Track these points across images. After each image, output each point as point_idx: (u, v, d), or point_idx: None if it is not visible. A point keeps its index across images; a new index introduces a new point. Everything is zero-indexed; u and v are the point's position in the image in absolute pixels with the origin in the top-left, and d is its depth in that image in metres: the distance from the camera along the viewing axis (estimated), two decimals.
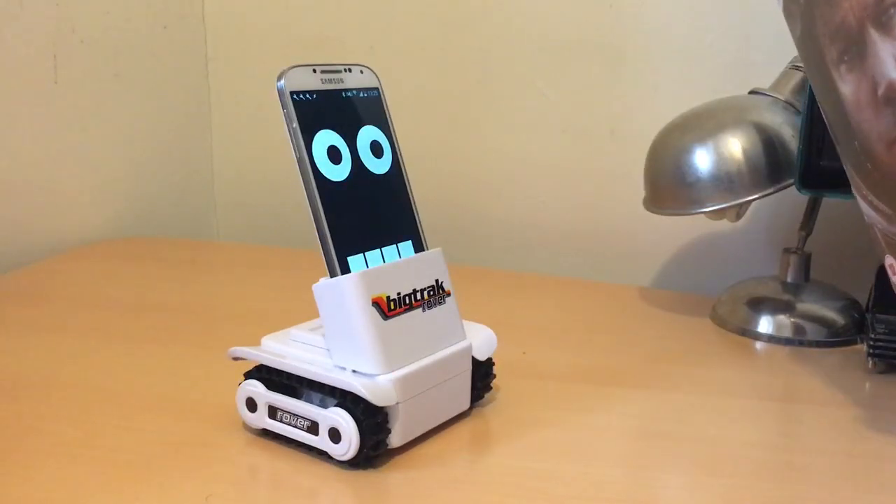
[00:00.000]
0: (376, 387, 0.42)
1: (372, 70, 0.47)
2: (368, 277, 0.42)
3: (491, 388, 0.51)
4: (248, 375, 0.46)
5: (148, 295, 0.70)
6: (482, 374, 0.49)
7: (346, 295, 0.42)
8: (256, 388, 0.45)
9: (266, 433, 0.45)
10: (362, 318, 0.42)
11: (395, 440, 0.43)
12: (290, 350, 0.45)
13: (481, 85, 0.86)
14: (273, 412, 0.45)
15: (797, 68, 0.67)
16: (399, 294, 0.43)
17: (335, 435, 0.42)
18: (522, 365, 0.57)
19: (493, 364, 0.50)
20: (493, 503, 0.40)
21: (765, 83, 0.68)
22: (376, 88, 0.47)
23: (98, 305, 0.67)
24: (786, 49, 0.73)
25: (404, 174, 0.47)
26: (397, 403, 0.42)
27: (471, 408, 0.49)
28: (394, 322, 0.43)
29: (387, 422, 0.43)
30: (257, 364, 0.46)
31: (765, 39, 0.76)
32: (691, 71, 0.79)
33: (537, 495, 0.41)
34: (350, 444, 0.41)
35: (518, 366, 0.56)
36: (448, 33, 0.86)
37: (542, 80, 0.84)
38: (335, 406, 0.42)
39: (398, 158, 0.46)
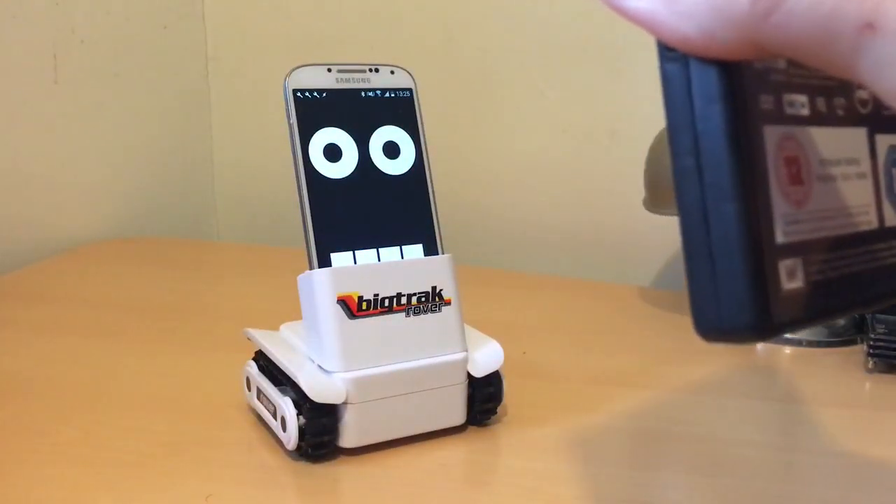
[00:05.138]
0: (323, 384, 0.42)
1: (407, 71, 0.46)
2: (337, 275, 0.42)
3: (495, 412, 0.47)
4: (254, 357, 0.48)
5: (148, 295, 0.70)
6: (484, 394, 0.46)
7: (314, 290, 0.42)
8: (251, 370, 0.47)
9: (268, 431, 0.46)
10: (325, 314, 0.42)
11: (347, 440, 0.43)
12: (289, 338, 0.46)
13: (481, 85, 0.86)
14: (259, 394, 0.46)
15: None
16: (376, 295, 0.43)
17: (284, 423, 0.42)
18: (522, 365, 0.57)
19: (501, 384, 0.47)
20: (492, 503, 0.40)
21: None
22: (409, 89, 0.46)
23: (98, 305, 0.67)
24: None
25: (427, 178, 0.45)
26: (346, 404, 0.42)
27: (468, 426, 0.47)
28: (362, 322, 0.42)
29: (336, 419, 0.42)
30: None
31: None
32: None
33: (537, 495, 0.41)
34: (291, 434, 0.42)
35: (518, 366, 0.56)
36: (448, 33, 0.86)
37: (542, 80, 0.84)
38: (286, 395, 0.43)
39: (423, 161, 0.46)
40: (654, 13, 0.22)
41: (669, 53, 0.22)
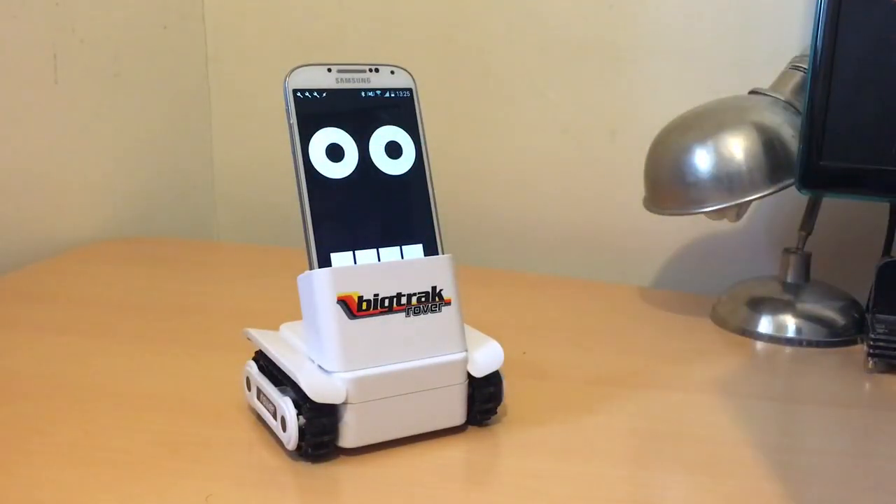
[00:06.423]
0: (323, 384, 0.42)
1: (407, 71, 0.46)
2: (337, 275, 0.42)
3: (495, 412, 0.48)
4: (254, 357, 0.48)
5: (148, 295, 0.70)
6: (484, 394, 0.46)
7: (314, 290, 0.42)
8: (251, 370, 0.47)
9: (268, 431, 0.46)
10: (325, 314, 0.42)
11: (347, 440, 0.43)
12: (289, 338, 0.46)
13: (482, 85, 0.86)
14: (259, 394, 0.46)
15: (797, 68, 0.67)
16: (376, 296, 0.43)
17: (284, 423, 0.42)
18: (522, 365, 0.57)
19: (501, 385, 0.47)
20: (492, 503, 0.40)
21: (765, 83, 0.68)
22: (409, 89, 0.46)
23: (98, 305, 0.67)
24: (786, 49, 0.73)
25: (427, 178, 0.46)
26: (346, 404, 0.42)
27: (469, 426, 0.47)
28: (362, 322, 0.43)
29: (336, 419, 0.43)
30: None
31: (765, 39, 0.76)
32: (691, 71, 0.79)
33: (537, 495, 0.41)
34: (291, 434, 0.42)
35: (518, 366, 0.56)
36: (449, 33, 0.86)
37: (542, 80, 0.84)
38: (286, 395, 0.43)
39: (423, 161, 0.46)
40: None
41: None
